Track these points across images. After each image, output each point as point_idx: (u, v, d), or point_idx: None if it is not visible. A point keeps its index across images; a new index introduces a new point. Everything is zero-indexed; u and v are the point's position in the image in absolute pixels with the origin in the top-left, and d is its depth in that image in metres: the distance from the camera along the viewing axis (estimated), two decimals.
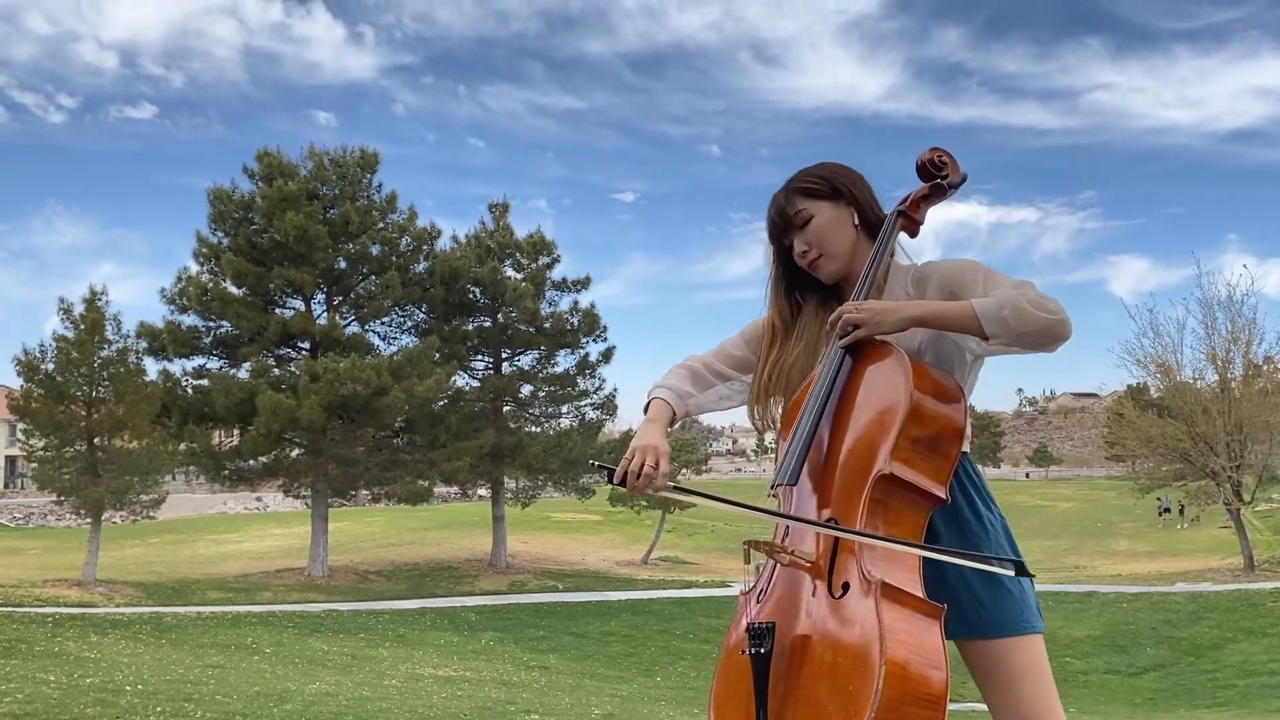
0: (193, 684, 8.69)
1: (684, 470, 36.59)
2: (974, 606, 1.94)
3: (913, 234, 2.18)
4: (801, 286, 2.24)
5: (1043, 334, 1.85)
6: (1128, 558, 35.67)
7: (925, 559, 1.84)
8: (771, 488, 2.01)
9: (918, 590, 1.76)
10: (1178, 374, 27.41)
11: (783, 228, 2.15)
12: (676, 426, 2.29)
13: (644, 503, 33.92)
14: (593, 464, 2.17)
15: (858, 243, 2.14)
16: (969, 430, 2.02)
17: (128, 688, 7.82)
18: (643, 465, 2.00)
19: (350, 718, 7.21)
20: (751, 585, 2.04)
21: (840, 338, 2.00)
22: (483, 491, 34.96)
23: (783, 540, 2.01)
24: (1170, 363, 27.39)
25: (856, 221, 2.14)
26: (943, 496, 1.87)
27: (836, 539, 1.85)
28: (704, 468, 42.26)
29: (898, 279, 2.14)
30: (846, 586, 1.78)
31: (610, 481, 2.01)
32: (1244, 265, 49.71)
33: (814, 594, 1.84)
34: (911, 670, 1.65)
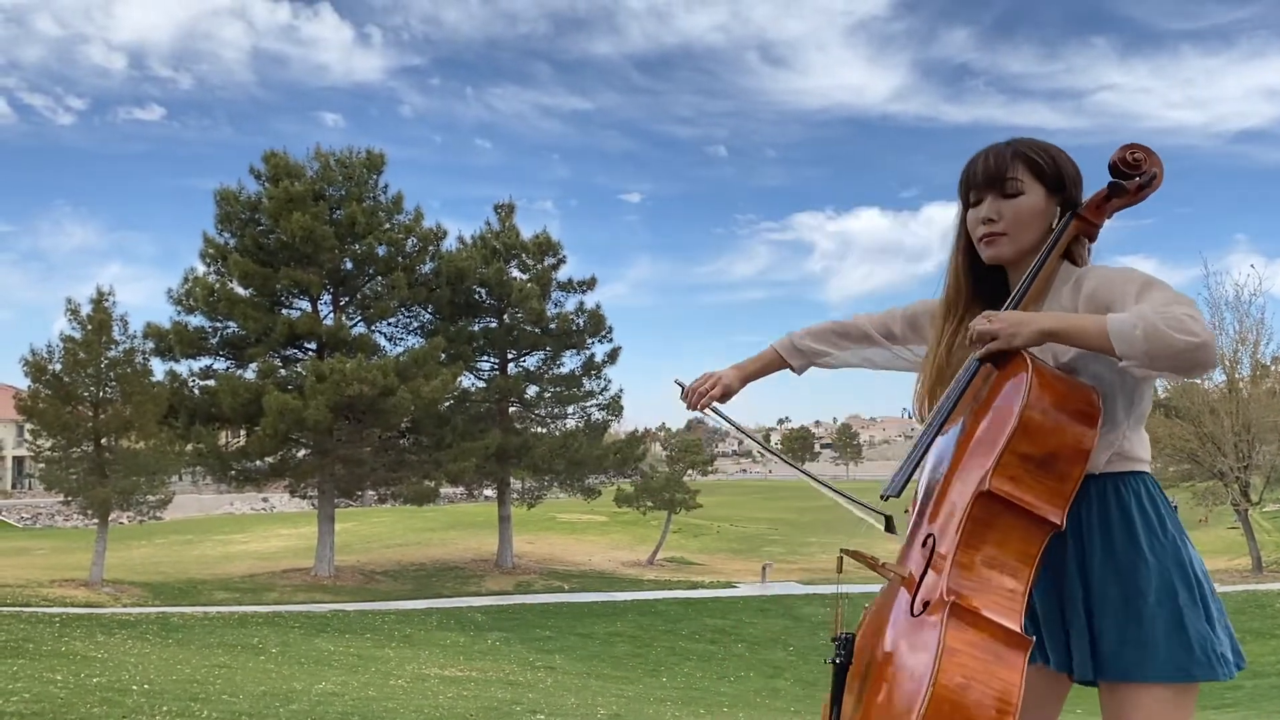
0: (199, 684, 8.71)
1: (690, 471, 36.58)
2: (1122, 643, 1.76)
3: (1091, 238, 2.00)
4: (977, 271, 2.04)
5: (1178, 359, 1.62)
6: None
7: (1067, 590, 1.79)
8: (882, 497, 1.90)
9: (1007, 619, 1.64)
10: None
11: (985, 183, 1.93)
12: (802, 371, 2.32)
13: (650, 503, 33.91)
14: (675, 380, 2.31)
15: (1043, 239, 1.95)
16: (1140, 451, 1.87)
17: (134, 687, 7.84)
18: (699, 386, 2.19)
19: (356, 718, 7.21)
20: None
21: (977, 351, 1.84)
22: (489, 492, 34.99)
23: (904, 555, 1.90)
24: None
25: (1055, 221, 1.95)
26: (1057, 523, 1.71)
27: (931, 554, 1.75)
28: (710, 469, 42.21)
29: (1065, 283, 1.93)
30: (927, 604, 1.70)
31: (682, 398, 2.23)
32: (1251, 265, 49.56)
33: (900, 609, 1.77)
34: (967, 699, 1.55)
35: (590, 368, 32.00)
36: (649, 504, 34.02)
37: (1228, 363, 26.86)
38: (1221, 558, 31.64)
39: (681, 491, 33.83)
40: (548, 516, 42.57)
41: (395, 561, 31.76)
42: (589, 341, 31.58)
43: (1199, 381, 27.38)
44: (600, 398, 32.40)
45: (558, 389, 32.01)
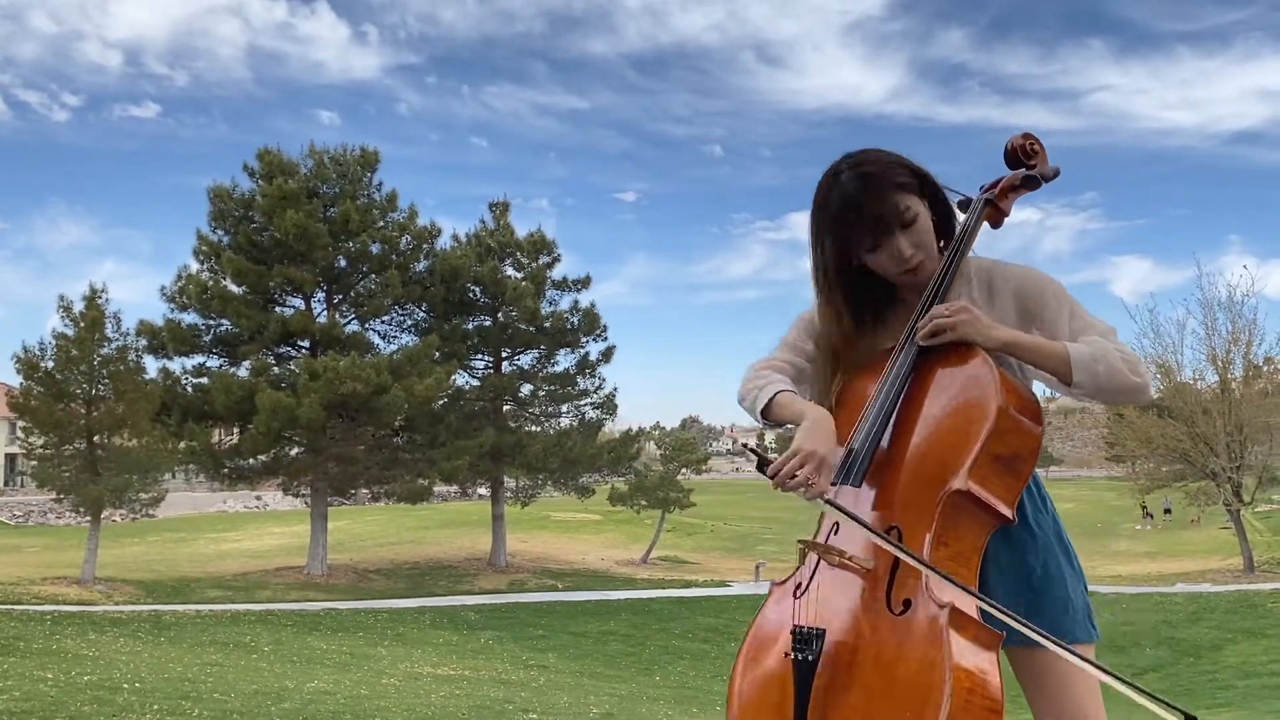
0: (191, 682, 8.68)
1: (684, 470, 36.59)
2: (1017, 611, 1.81)
3: (997, 225, 2.02)
4: (866, 295, 2.00)
5: (1124, 395, 1.81)
6: (1128, 558, 35.64)
7: (982, 571, 1.77)
8: (831, 483, 1.84)
9: (976, 613, 1.67)
10: (1178, 374, 27.39)
11: (882, 227, 1.87)
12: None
13: (644, 502, 33.92)
14: (744, 446, 2.00)
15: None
16: None
17: (125, 685, 7.81)
18: (802, 471, 1.75)
19: (348, 716, 7.19)
20: (785, 579, 1.91)
21: (926, 338, 1.84)
22: (482, 490, 34.97)
23: (828, 538, 1.87)
24: (1170, 363, 27.37)
25: (934, 216, 1.96)
26: (1010, 517, 1.77)
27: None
28: (704, 468, 42.22)
29: (962, 276, 1.96)
30: (908, 604, 1.67)
31: (761, 470, 1.78)
32: (1244, 266, 49.63)
33: (869, 606, 1.73)
34: (973, 703, 1.58)
35: (584, 366, 32.00)
36: (643, 503, 34.04)
37: (1220, 363, 26.94)
38: (1214, 558, 31.74)
39: (675, 490, 33.85)
40: (541, 515, 42.55)
41: (388, 560, 31.72)
42: (583, 340, 31.60)
43: (1192, 382, 27.49)
44: (594, 396, 32.45)
45: (552, 387, 32.01)
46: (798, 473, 1.74)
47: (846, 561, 1.77)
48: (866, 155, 1.91)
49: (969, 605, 1.66)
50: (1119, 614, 21.77)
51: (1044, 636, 1.62)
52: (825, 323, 2.02)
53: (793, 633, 1.73)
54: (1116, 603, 22.96)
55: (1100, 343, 1.81)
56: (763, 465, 1.78)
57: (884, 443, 1.86)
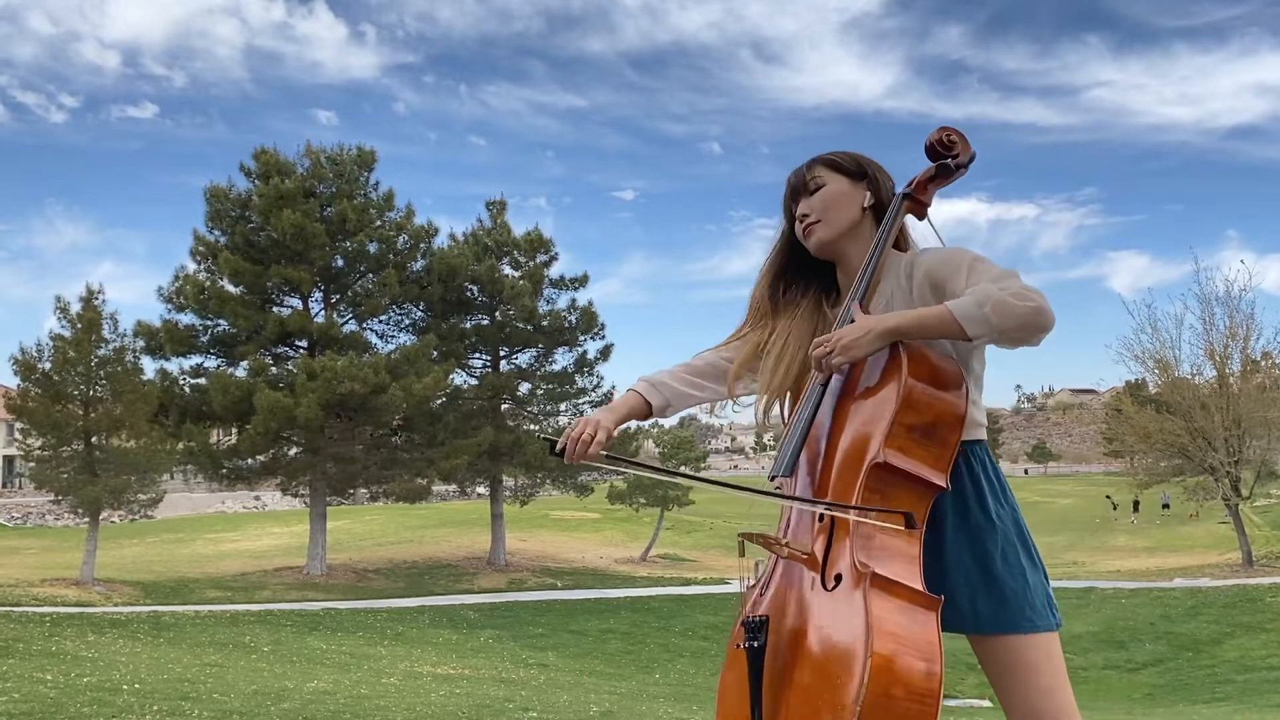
0: (190, 683, 8.68)
1: (682, 467, 36.57)
2: (974, 601, 1.89)
3: (920, 216, 2.14)
4: (804, 273, 2.20)
5: (1024, 327, 1.79)
6: (1126, 554, 35.69)
7: (926, 550, 1.81)
8: (770, 478, 1.99)
9: (914, 582, 1.73)
10: (1176, 370, 27.44)
11: (792, 195, 2.13)
12: (664, 420, 2.27)
13: (643, 500, 33.91)
14: (539, 435, 2.25)
15: (862, 225, 2.10)
16: (981, 417, 1.99)
17: (125, 687, 7.80)
18: (580, 435, 2.00)
19: (348, 716, 7.19)
20: (757, 580, 2.04)
21: (821, 375, 1.95)
22: (481, 489, 34.94)
23: (783, 533, 1.99)
24: (1168, 358, 27.42)
25: (867, 204, 2.10)
26: (942, 484, 1.83)
27: (832, 531, 1.83)
28: (702, 465, 42.23)
29: (893, 269, 2.08)
30: (839, 578, 1.76)
31: (552, 452, 2.03)
32: (1241, 261, 49.75)
33: (810, 586, 1.84)
34: (900, 663, 1.61)
35: (582, 365, 31.98)
36: (642, 501, 34.04)
37: (1218, 358, 26.97)
38: (1212, 552, 31.77)
39: (674, 488, 33.83)
40: (540, 514, 42.56)
41: (387, 559, 31.71)
42: (581, 338, 31.58)
43: (1190, 377, 27.52)
44: (593, 395, 32.39)
45: (550, 386, 31.99)
46: (578, 440, 1.98)
47: (792, 551, 1.90)
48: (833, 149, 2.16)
49: (901, 573, 1.73)
50: (1118, 609, 21.80)
51: (811, 501, 1.85)
52: (758, 280, 2.26)
53: (743, 624, 1.85)
54: (1115, 598, 22.98)
55: (983, 286, 1.82)
56: (552, 447, 2.03)
57: (824, 436, 1.96)
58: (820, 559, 1.83)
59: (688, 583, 28.59)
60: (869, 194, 2.10)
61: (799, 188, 2.12)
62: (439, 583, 27.49)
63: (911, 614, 1.68)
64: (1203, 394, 27.01)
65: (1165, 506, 45.60)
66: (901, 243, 2.15)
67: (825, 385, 1.97)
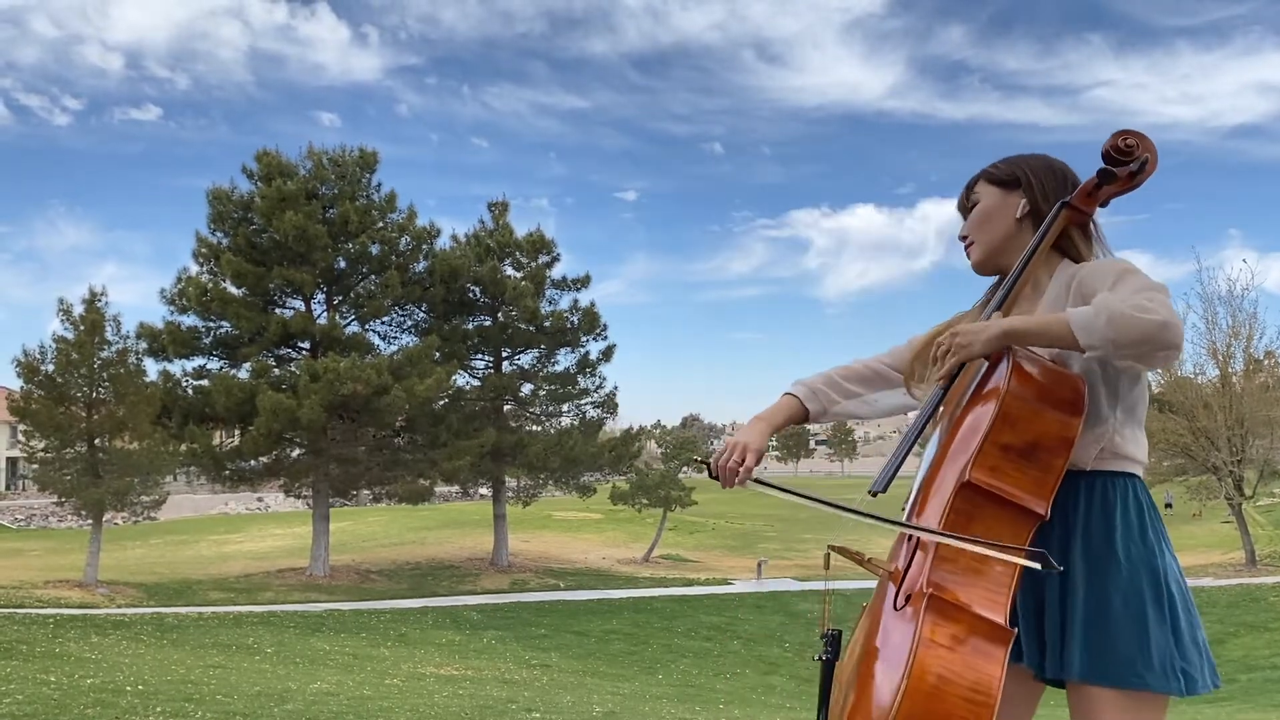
0: (194, 684, 8.68)
1: (685, 468, 36.57)
2: (1067, 642, 1.76)
3: (1084, 227, 2.00)
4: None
5: (1142, 342, 1.62)
6: None
7: (1036, 582, 1.76)
8: (870, 493, 1.87)
9: (989, 610, 1.62)
10: (1179, 369, 27.39)
11: (961, 212, 2.09)
12: (818, 418, 2.16)
13: (645, 501, 33.91)
14: (694, 459, 2.18)
15: (1018, 235, 1.98)
16: (1130, 449, 1.84)
17: (128, 688, 7.81)
18: (729, 460, 1.96)
19: (351, 717, 7.19)
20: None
21: (942, 379, 1.87)
22: (484, 490, 34.99)
23: (892, 558, 1.92)
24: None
25: (1021, 213, 1.97)
26: (1041, 513, 1.70)
27: (915, 548, 1.77)
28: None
29: (1061, 280, 1.94)
30: (908, 599, 1.70)
31: (711, 475, 2.01)
32: (1244, 260, 49.67)
33: (887, 605, 1.78)
34: (943, 690, 1.53)
35: (585, 365, 31.98)
36: (644, 501, 34.03)
37: (1220, 357, 26.94)
38: (1215, 552, 31.73)
39: (677, 489, 33.83)
40: (543, 515, 42.56)
41: (390, 560, 31.73)
42: (583, 339, 31.58)
43: (1192, 376, 27.49)
44: (595, 395, 32.43)
45: (552, 387, 32.00)
46: (727, 465, 1.95)
47: (873, 567, 1.92)
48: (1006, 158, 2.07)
49: (976, 597, 1.63)
50: None
51: (912, 527, 1.75)
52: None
53: (822, 637, 1.90)
54: None
55: (1106, 296, 1.70)
56: (708, 470, 2.00)
57: (933, 451, 1.89)
58: (900, 579, 1.76)
59: (690, 583, 28.58)
60: (1024, 201, 1.98)
61: (962, 208, 2.07)
62: (442, 584, 27.50)
63: (971, 642, 1.58)
64: (1205, 393, 26.98)
65: (1168, 506, 45.53)
66: (1075, 252, 1.98)
67: (942, 395, 1.87)
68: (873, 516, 1.75)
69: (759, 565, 30.94)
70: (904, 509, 1.90)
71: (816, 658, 1.90)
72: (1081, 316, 1.68)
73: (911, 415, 2.09)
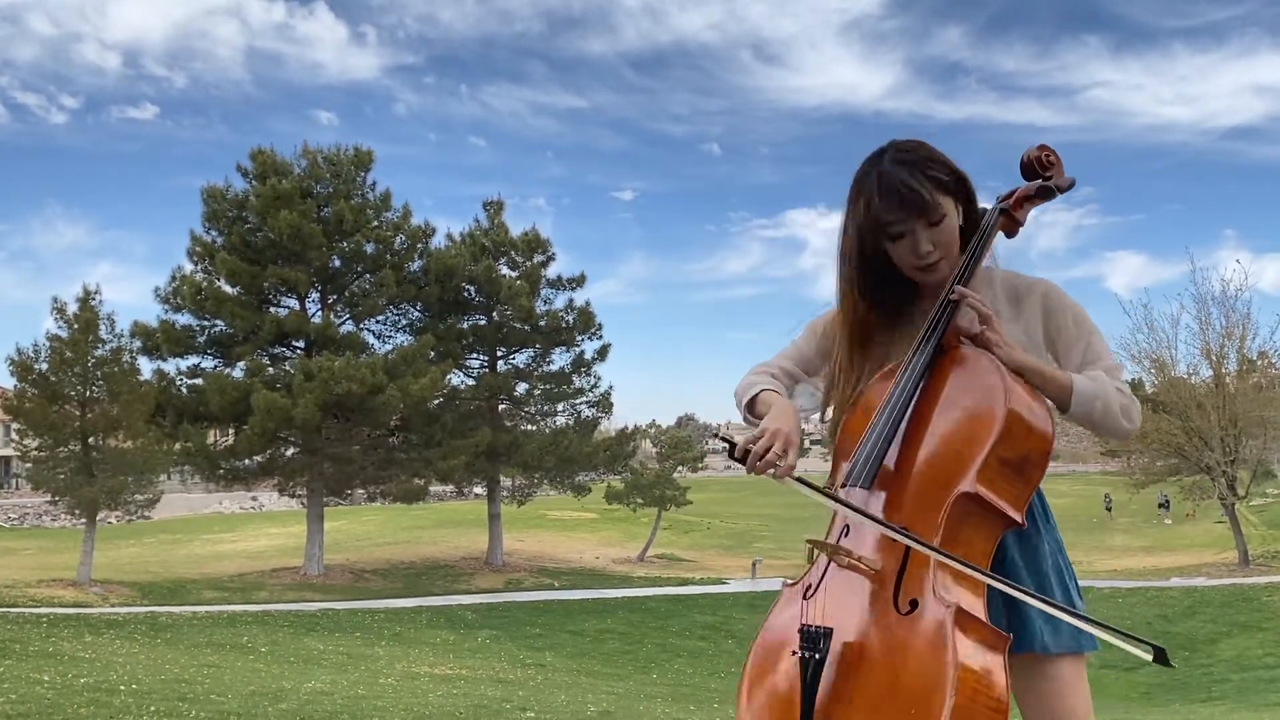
0: (188, 683, 8.67)
1: (680, 468, 36.58)
2: (1033, 617, 1.83)
3: (1011, 235, 2.03)
4: (879, 289, 1.99)
5: (1109, 433, 1.91)
6: (1123, 553, 35.72)
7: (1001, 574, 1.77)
8: (841, 485, 1.85)
9: (984, 615, 1.67)
10: (1172, 369, 27.46)
11: (908, 215, 1.87)
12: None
13: (640, 500, 33.91)
14: (716, 434, 1.88)
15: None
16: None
17: (122, 687, 7.80)
18: (769, 449, 1.77)
19: (346, 716, 7.19)
20: (797, 580, 1.89)
21: (969, 325, 1.86)
22: (479, 490, 34.93)
23: (839, 540, 1.84)
24: (1165, 358, 27.44)
25: (960, 220, 1.95)
26: (1019, 521, 1.77)
27: (907, 550, 1.72)
28: (700, 465, 42.23)
29: (984, 282, 1.98)
30: (915, 604, 1.67)
31: (731, 456, 1.79)
32: (1237, 260, 49.79)
33: (876, 605, 1.72)
34: (976, 704, 1.56)
35: (580, 365, 31.99)
36: (639, 501, 34.04)
37: (1214, 358, 26.99)
38: (1208, 552, 31.81)
39: (671, 488, 33.86)
40: (538, 514, 42.54)
41: (385, 560, 31.70)
42: (578, 338, 31.58)
43: (1186, 376, 27.54)
44: (590, 395, 32.44)
45: (547, 386, 32.00)
46: (766, 453, 1.77)
47: (855, 562, 1.75)
48: (914, 144, 1.92)
49: (976, 607, 1.67)
50: (1115, 608, 21.82)
51: (1064, 610, 1.70)
52: (845, 307, 2.01)
53: (800, 631, 1.72)
54: (1113, 597, 23.00)
55: (1104, 380, 1.88)
56: (732, 450, 1.78)
57: (895, 446, 1.85)
58: (892, 578, 1.72)
59: (685, 583, 28.59)
60: (959, 208, 1.94)
61: (918, 209, 1.88)
62: (436, 583, 27.48)
63: (986, 656, 1.61)
64: (1199, 393, 27.03)
65: (1161, 506, 45.65)
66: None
67: (912, 394, 1.85)
68: (919, 542, 1.70)
69: (754, 565, 30.95)
70: (844, 483, 1.84)
71: (796, 654, 1.70)
72: (1085, 394, 1.85)
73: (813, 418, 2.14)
